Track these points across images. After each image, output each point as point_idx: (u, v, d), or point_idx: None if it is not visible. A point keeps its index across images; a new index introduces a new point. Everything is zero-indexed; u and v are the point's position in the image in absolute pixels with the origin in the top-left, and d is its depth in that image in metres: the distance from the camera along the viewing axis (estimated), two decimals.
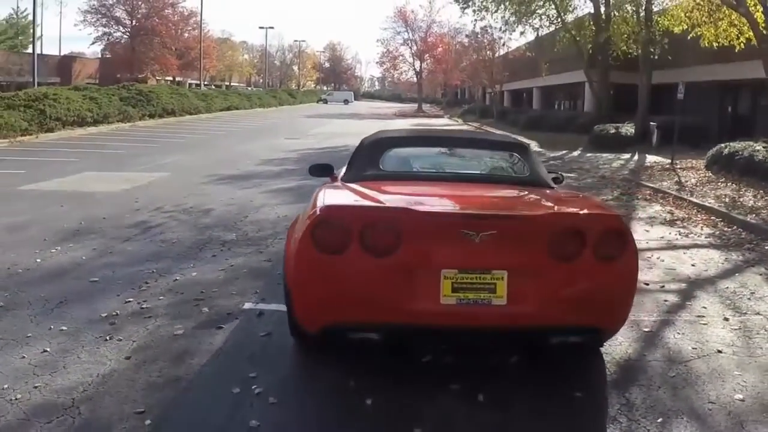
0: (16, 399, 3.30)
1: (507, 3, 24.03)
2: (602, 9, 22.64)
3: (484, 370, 3.78)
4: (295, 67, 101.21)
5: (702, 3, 15.46)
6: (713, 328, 4.56)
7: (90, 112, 23.27)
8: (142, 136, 21.94)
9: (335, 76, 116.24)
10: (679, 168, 13.89)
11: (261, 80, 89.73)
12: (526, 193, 4.08)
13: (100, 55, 56.04)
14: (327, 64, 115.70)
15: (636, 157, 17.07)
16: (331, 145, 20.28)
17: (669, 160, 14.79)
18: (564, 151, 19.34)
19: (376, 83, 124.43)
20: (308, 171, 5.27)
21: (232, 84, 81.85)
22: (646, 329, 4.50)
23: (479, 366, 3.84)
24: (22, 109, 19.66)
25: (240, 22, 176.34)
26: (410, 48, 64.12)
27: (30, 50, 38.63)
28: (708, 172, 12.80)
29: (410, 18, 61.96)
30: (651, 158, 16.26)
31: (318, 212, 3.27)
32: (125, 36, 50.99)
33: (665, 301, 5.21)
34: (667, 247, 7.29)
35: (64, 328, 4.31)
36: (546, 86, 35.62)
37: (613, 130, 19.52)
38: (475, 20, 34.78)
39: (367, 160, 4.44)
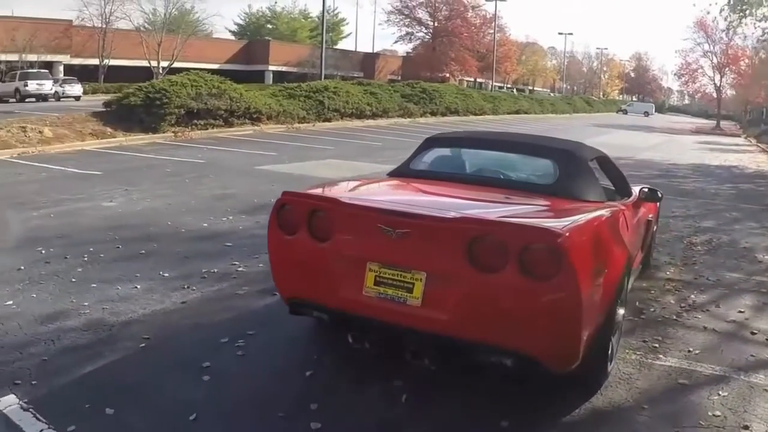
0: (88, 313, 4.56)
1: None
2: None
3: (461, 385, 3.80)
4: (603, 76, 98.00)
5: None
6: None
7: (369, 106, 26.04)
8: (413, 132, 23.57)
9: (639, 86, 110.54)
10: None
11: (566, 86, 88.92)
12: (523, 200, 3.93)
13: (404, 54, 61.45)
14: (632, 74, 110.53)
15: None
16: None
17: None
18: None
19: (686, 97, 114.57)
20: None
21: (535, 89, 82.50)
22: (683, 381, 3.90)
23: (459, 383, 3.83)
24: (303, 99, 23.13)
25: (546, 27, 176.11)
26: (710, 60, 57.44)
27: (338, 46, 43.85)
28: None
29: (711, 28, 55.35)
30: None
31: (280, 197, 3.77)
32: (427, 36, 55.10)
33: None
34: None
35: (165, 275, 5.49)
36: None
37: None
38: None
39: (412, 158, 4.75)
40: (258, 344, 4.14)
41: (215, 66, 46.73)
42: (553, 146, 4.63)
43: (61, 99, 33.58)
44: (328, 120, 23.89)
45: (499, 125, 32.07)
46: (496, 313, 3.14)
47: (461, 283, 3.15)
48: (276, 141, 18.30)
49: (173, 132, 18.49)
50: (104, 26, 43.93)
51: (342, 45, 67.32)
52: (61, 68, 41.66)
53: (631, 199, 4.94)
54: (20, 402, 3.25)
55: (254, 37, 61.79)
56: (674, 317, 4.97)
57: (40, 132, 15.12)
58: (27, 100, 31.72)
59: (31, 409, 3.18)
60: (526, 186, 4.27)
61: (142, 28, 46.60)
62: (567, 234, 3.07)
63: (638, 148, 23.55)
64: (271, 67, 53.44)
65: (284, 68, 52.38)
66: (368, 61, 57.64)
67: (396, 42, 70.96)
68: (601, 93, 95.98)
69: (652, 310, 5.12)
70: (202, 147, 16.17)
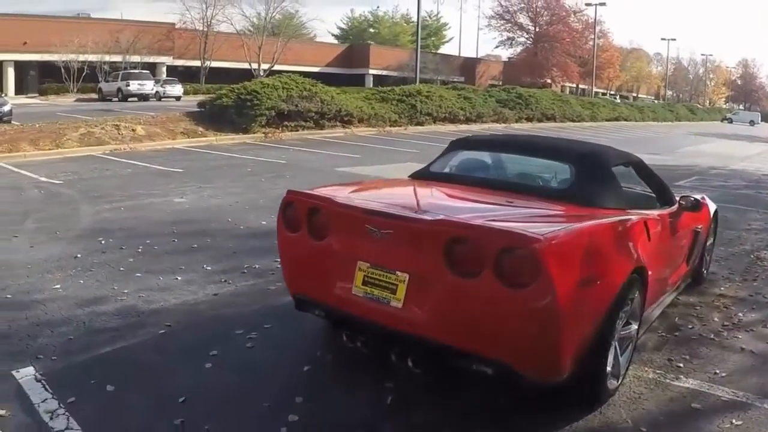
0: (124, 300, 4.95)
1: None
2: None
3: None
4: (709, 83, 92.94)
5: None
6: None
7: (462, 110, 26.11)
8: None
9: (746, 95, 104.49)
10: None
11: (671, 94, 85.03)
12: (527, 204, 3.86)
13: (504, 59, 60.95)
14: (738, 82, 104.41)
15: None
16: (683, 163, 18.79)
17: None
18: None
19: None
20: None
21: (639, 95, 79.32)
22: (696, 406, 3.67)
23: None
24: (395, 103, 23.53)
25: (651, 33, 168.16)
26: None
27: (441, 51, 44.07)
28: None
29: None
30: None
31: (285, 195, 3.93)
32: (528, 41, 54.33)
33: None
34: None
35: (208, 268, 5.81)
36: None
37: None
38: None
39: (435, 160, 4.79)
40: (269, 337, 4.32)
41: (316, 69, 48.61)
42: (573, 150, 4.48)
43: (162, 99, 35.74)
44: (421, 124, 24.13)
45: (591, 132, 31.10)
46: (475, 319, 3.12)
47: (440, 287, 3.15)
48: (363, 143, 18.68)
49: (263, 133, 19.29)
50: (206, 29, 46.52)
51: (445, 49, 68.13)
52: (164, 69, 44.56)
53: (669, 208, 4.71)
54: (36, 374, 3.60)
55: (357, 42, 63.93)
56: (712, 336, 4.69)
57: (132, 130, 16.22)
58: (129, 99, 33.97)
59: (42, 381, 3.52)
60: (539, 190, 4.21)
61: (246, 31, 48.77)
62: (546, 240, 2.96)
63: (735, 158, 22.18)
64: (372, 71, 54.88)
65: (384, 72, 53.51)
66: (469, 66, 57.61)
67: (497, 47, 71.05)
68: (707, 101, 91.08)
69: (690, 327, 4.86)
70: (289, 148, 16.77)
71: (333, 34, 71.77)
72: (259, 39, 47.44)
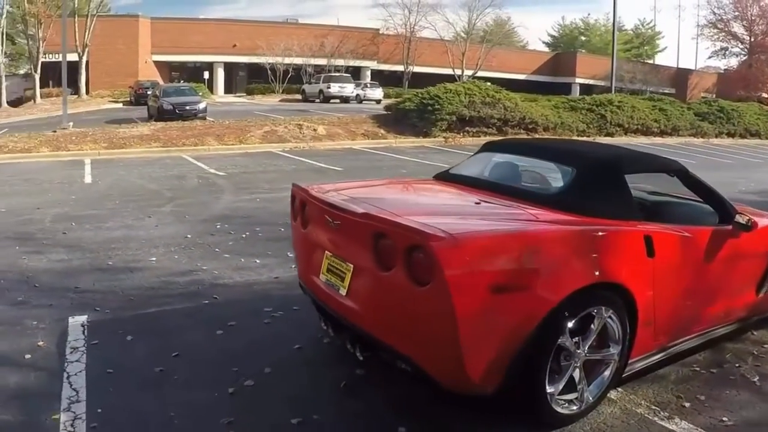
0: (198, 275, 5.86)
1: None
2: None
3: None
4: None
5: None
6: None
7: (656, 122, 24.60)
8: (700, 153, 21.83)
9: None
10: None
11: None
12: (497, 208, 3.81)
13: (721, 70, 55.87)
14: None
15: None
16: None
17: None
18: None
19: None
20: None
21: None
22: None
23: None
24: (584, 112, 22.96)
25: None
26: None
27: (654, 60, 41.88)
28: None
29: None
30: None
31: (292, 188, 4.42)
32: (742, 52, 49.35)
33: None
34: None
35: (290, 255, 6.52)
36: None
37: None
38: None
39: (465, 161, 5.00)
40: (289, 318, 4.86)
41: (521, 77, 48.81)
42: (581, 154, 4.30)
43: (363, 102, 38.16)
44: (610, 135, 23.26)
45: None
46: (390, 313, 3.29)
47: (369, 279, 3.39)
48: None
49: (443, 137, 20.02)
50: (409, 35, 48.69)
51: (659, 59, 65.47)
52: (368, 73, 47.59)
53: (719, 226, 4.24)
54: (85, 321, 4.58)
55: (567, 49, 63.65)
56: (756, 380, 4.10)
57: (314, 130, 17.84)
58: (331, 101, 36.75)
59: (85, 327, 4.48)
60: (528, 194, 4.03)
61: (452, 37, 50.18)
62: (449, 239, 2.96)
63: None
64: (578, 80, 54.07)
65: (591, 81, 52.25)
66: (681, 77, 54.27)
67: (710, 57, 65.37)
68: None
69: (737, 366, 4.30)
70: (463, 153, 17.15)
71: (543, 42, 72.26)
72: (462, 45, 48.56)
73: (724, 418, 3.60)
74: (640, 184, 4.77)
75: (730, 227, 4.26)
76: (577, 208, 3.68)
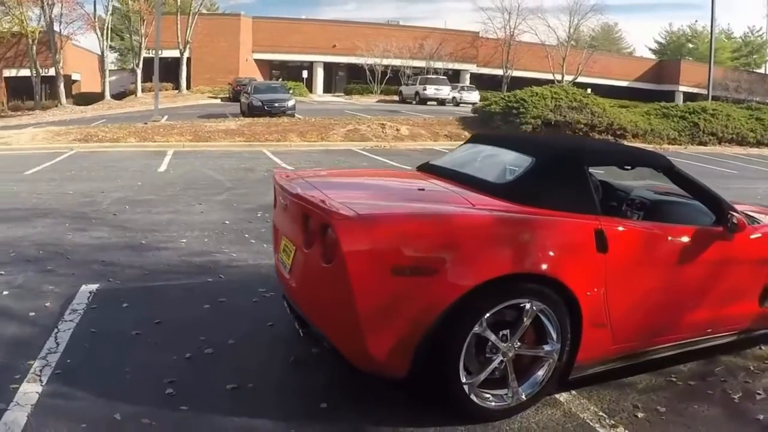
0: (217, 256, 6.37)
1: None
2: None
3: None
4: None
5: None
6: None
7: (752, 132, 23.31)
8: None
9: None
10: None
11: None
12: (440, 195, 3.86)
13: None
14: None
15: None
16: None
17: None
18: None
19: None
20: None
21: None
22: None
23: None
24: (676, 120, 22.05)
25: None
26: None
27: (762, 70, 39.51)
28: None
29: None
30: None
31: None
32: None
33: None
34: None
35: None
36: None
37: None
38: None
39: (447, 154, 5.06)
40: (276, 299, 4.90)
41: (623, 83, 47.65)
42: (543, 146, 4.26)
43: (460, 104, 37.92)
44: (703, 144, 22.23)
45: None
46: (312, 291, 3.52)
47: (300, 257, 3.63)
48: None
49: None
50: (508, 38, 48.17)
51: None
52: (467, 76, 47.42)
53: (705, 227, 3.98)
54: (94, 289, 5.15)
55: (674, 56, 63.04)
56: (736, 398, 3.79)
57: (397, 130, 18.23)
58: (428, 103, 37.06)
59: (92, 294, 5.04)
60: (484, 184, 3.91)
61: (560, 42, 49.14)
62: (353, 218, 3.10)
63: None
64: (681, 88, 52.69)
65: (695, 89, 50.41)
66: None
67: None
68: None
69: (722, 380, 4.02)
70: None
71: (651, 49, 71.88)
72: (563, 50, 47.66)
73: None
74: (647, 181, 4.74)
75: (722, 228, 3.96)
76: (526, 199, 3.58)
